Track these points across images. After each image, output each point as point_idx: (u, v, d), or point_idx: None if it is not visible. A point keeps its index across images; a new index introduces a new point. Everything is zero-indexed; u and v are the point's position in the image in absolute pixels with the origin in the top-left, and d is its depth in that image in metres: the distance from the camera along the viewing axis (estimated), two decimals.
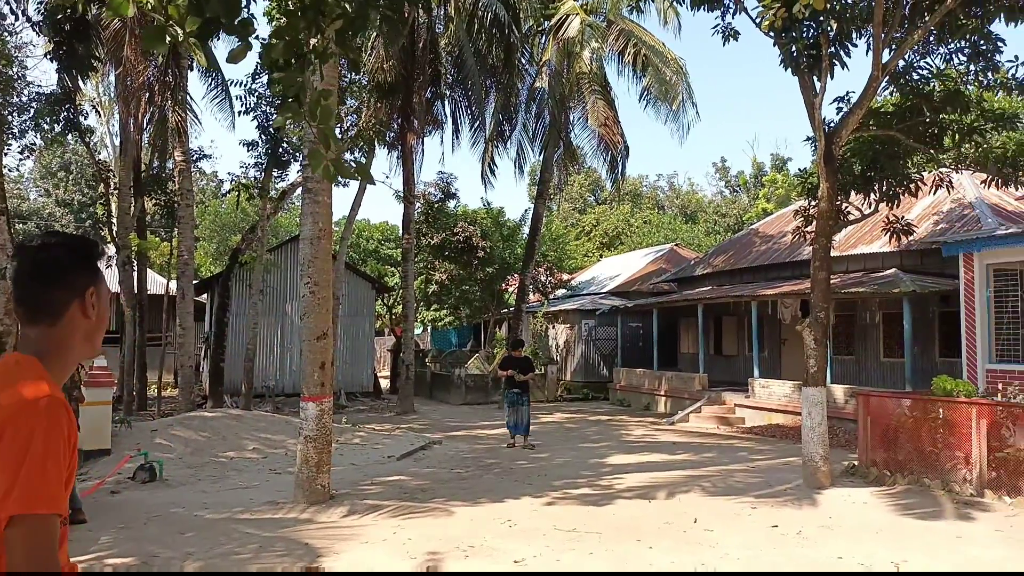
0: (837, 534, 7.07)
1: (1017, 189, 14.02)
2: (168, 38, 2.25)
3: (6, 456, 1.44)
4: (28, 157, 17.60)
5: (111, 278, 22.13)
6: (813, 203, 13.77)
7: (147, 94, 13.48)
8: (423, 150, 22.06)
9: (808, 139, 13.47)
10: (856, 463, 10.28)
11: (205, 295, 26.47)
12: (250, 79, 17.54)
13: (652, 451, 12.43)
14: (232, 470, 10.72)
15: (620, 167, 21.10)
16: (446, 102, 22.32)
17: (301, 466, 8.38)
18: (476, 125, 21.81)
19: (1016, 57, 10.20)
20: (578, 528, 7.20)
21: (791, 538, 6.95)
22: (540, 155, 22.72)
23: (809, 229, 13.86)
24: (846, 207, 13.60)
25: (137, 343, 18.08)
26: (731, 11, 10.54)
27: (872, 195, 13.18)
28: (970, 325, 11.51)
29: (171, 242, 22.34)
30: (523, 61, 21.99)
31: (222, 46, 20.08)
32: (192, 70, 15.68)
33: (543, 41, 22.22)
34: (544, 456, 11.93)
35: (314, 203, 8.70)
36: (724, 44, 11.02)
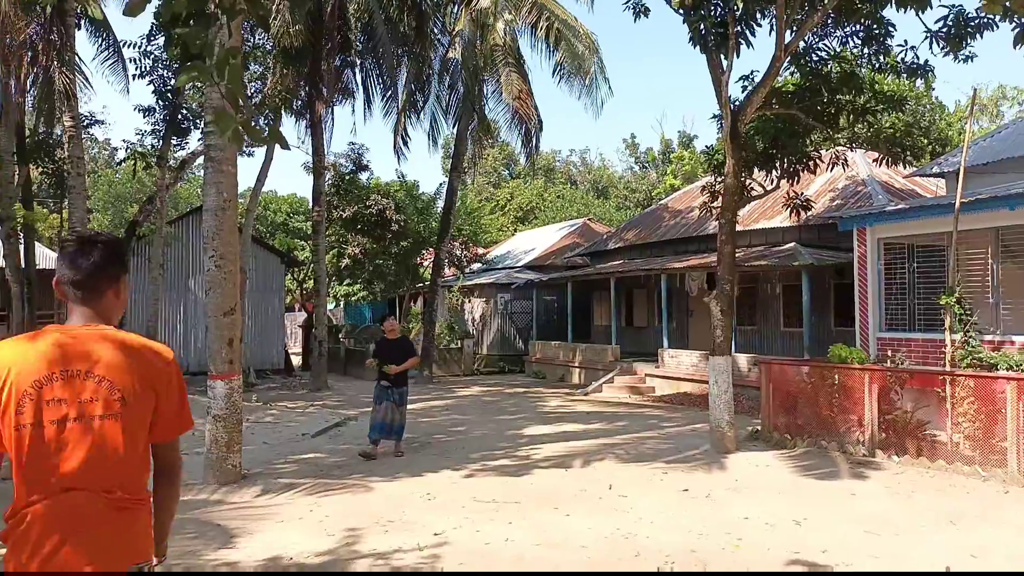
0: (744, 495, 7.42)
1: (905, 167, 14.94)
2: None
3: (178, 394, 2.26)
4: None
5: None
6: (719, 179, 14.21)
7: (30, 54, 12.45)
8: (333, 120, 21.53)
9: (715, 116, 13.80)
10: (759, 428, 10.79)
11: None
12: (145, 40, 16.57)
13: (567, 421, 12.67)
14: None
15: (534, 141, 21.13)
16: (357, 71, 21.75)
17: (211, 446, 8.09)
18: (388, 95, 21.36)
19: (906, 42, 10.74)
20: (497, 499, 7.26)
21: (701, 500, 7.24)
22: (454, 127, 22.48)
23: (715, 204, 14.31)
24: (749, 183, 14.12)
25: (26, 321, 16.90)
26: None
27: (774, 171, 13.73)
28: (863, 296, 12.21)
29: (61, 213, 20.94)
30: (435, 31, 21.60)
31: (113, 4, 18.84)
32: (80, 29, 14.59)
33: (455, 11, 21.86)
34: (462, 429, 11.96)
35: (218, 172, 8.31)
36: (635, 20, 11.13)
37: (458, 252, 27.83)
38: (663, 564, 5.39)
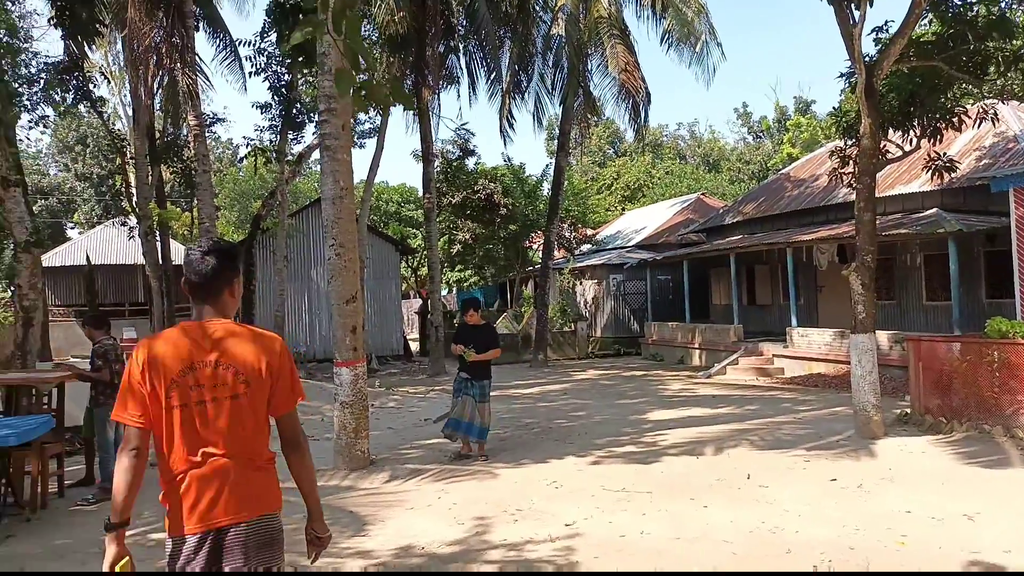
0: (900, 486, 6.75)
1: None
2: None
3: (289, 373, 2.63)
4: (39, 129, 17.39)
5: (134, 249, 22.04)
6: (850, 143, 13.21)
7: (155, 57, 13.10)
8: (439, 106, 21.53)
9: (842, 75, 12.86)
10: (908, 411, 9.93)
11: None
12: (259, 38, 17.12)
13: (693, 405, 12.14)
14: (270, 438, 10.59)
15: (643, 114, 20.39)
16: (460, 55, 21.73)
17: (339, 432, 8.19)
18: (492, 78, 21.22)
19: None
20: (627, 488, 6.94)
21: (852, 492, 6.64)
22: (559, 106, 22.09)
23: (845, 170, 13.32)
24: (884, 145, 12.99)
25: (165, 314, 18.02)
26: None
27: (912, 131, 12.55)
28: (1023, 264, 10.98)
29: (191, 211, 22.14)
30: (537, 8, 21.24)
31: (228, 5, 19.57)
32: (198, 31, 15.24)
33: None
34: (583, 414, 11.69)
35: (333, 161, 8.34)
36: None
37: (567, 234, 27.49)
38: (819, 562, 4.91)
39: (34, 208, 44.82)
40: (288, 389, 2.63)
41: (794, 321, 16.65)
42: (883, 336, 13.86)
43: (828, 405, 11.57)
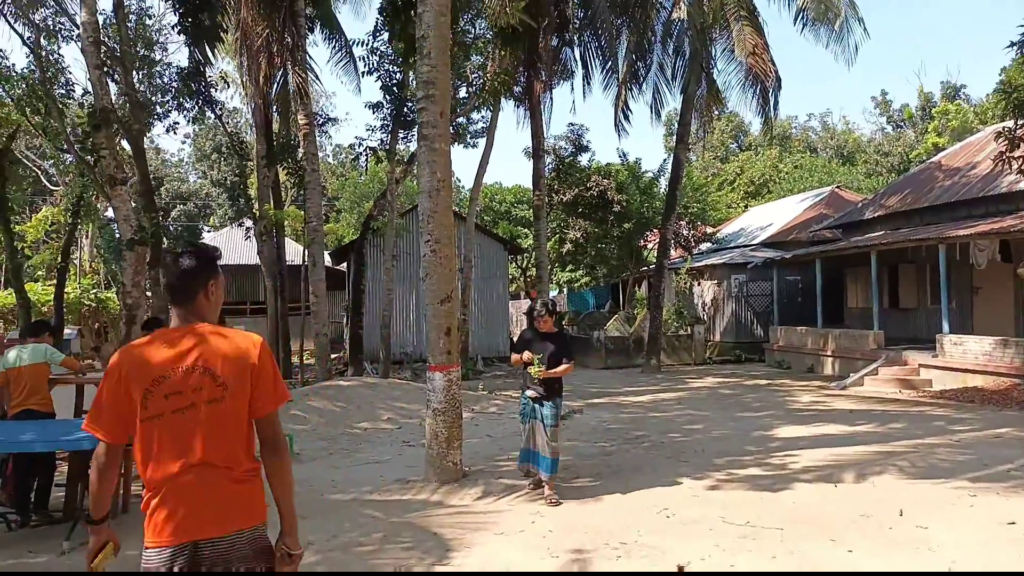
0: None
1: None
2: None
3: (271, 374, 2.57)
4: (179, 139, 18.15)
5: (256, 250, 22.74)
6: (1021, 121, 11.52)
7: (266, 56, 13.20)
8: (551, 101, 20.90)
9: (1012, 44, 11.28)
10: None
11: (344, 264, 26.87)
12: (371, 37, 17.10)
13: (826, 421, 10.79)
14: (365, 442, 10.28)
15: (772, 101, 18.82)
16: (575, 47, 20.97)
17: (431, 442, 7.65)
18: (607, 68, 20.33)
19: None
20: (752, 521, 5.95)
21: None
22: (679, 96, 20.87)
23: (1015, 154, 11.63)
24: None
25: (279, 312, 18.33)
26: None
27: None
28: None
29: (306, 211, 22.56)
30: None
31: (345, 9, 19.72)
32: (313, 32, 15.38)
33: None
34: (699, 427, 10.63)
35: (431, 151, 7.82)
36: None
37: (685, 232, 26.13)
38: None
39: (173, 212, 47.72)
40: (269, 390, 2.54)
41: (945, 327, 14.74)
42: None
43: (990, 425, 9.94)
